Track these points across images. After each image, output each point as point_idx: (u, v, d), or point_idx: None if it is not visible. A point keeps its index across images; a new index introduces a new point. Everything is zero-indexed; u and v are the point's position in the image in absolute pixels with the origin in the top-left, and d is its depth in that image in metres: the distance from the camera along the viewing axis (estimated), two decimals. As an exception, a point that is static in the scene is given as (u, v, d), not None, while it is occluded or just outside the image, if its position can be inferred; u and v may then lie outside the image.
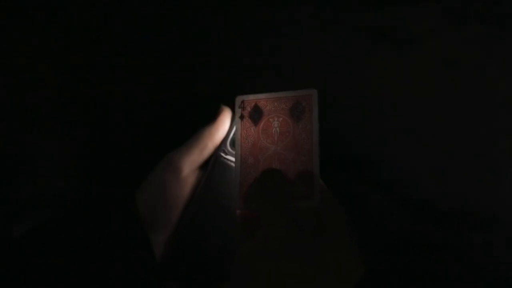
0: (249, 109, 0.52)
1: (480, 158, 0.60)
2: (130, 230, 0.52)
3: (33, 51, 0.65)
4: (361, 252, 0.46)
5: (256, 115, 0.52)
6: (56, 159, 0.65)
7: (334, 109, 0.62)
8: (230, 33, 0.63)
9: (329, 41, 0.62)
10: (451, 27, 0.61)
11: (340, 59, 0.62)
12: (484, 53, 0.61)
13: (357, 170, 0.62)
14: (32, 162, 0.64)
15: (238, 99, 0.52)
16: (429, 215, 0.61)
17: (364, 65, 0.62)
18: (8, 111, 0.65)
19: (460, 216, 0.61)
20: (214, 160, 0.54)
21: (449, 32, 0.61)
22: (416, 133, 0.62)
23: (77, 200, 0.62)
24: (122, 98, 0.65)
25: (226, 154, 0.54)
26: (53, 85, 0.65)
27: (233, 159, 0.53)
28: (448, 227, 0.61)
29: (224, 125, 0.54)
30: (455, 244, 0.60)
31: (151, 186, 0.53)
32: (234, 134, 0.53)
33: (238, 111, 0.52)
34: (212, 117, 0.54)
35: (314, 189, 0.48)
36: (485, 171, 0.60)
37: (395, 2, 0.61)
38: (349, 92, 0.62)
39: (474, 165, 0.61)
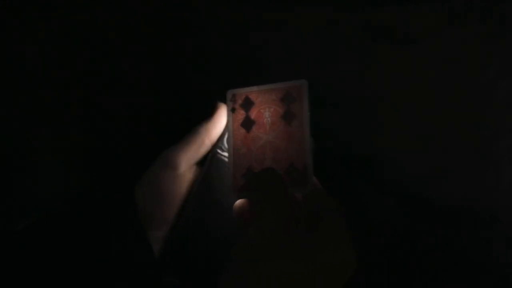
0: (240, 101, 0.52)
1: (480, 158, 0.60)
2: (128, 226, 0.52)
3: (33, 51, 0.65)
4: (354, 247, 0.46)
5: (247, 106, 0.52)
6: (55, 157, 0.65)
7: (333, 108, 0.62)
8: (227, 30, 0.63)
9: (328, 39, 0.62)
10: (451, 26, 0.61)
11: (340, 58, 0.62)
12: (484, 53, 0.61)
13: (356, 169, 0.62)
14: (32, 162, 0.65)
15: (229, 93, 0.53)
16: (427, 214, 0.61)
17: (365, 64, 0.62)
18: (8, 111, 0.65)
19: (460, 215, 0.60)
20: (211, 157, 0.54)
21: (449, 31, 0.61)
22: (416, 132, 0.62)
23: (75, 197, 0.62)
24: (119, 96, 0.65)
25: (223, 150, 0.54)
26: (54, 84, 0.65)
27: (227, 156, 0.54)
28: (447, 226, 0.60)
29: (220, 121, 0.54)
30: (455, 243, 0.60)
31: (149, 182, 0.53)
32: (229, 125, 0.53)
33: (230, 104, 0.53)
34: (208, 114, 0.55)
35: (307, 176, 0.48)
36: (485, 171, 0.60)
37: (395, 2, 0.61)
38: (348, 92, 0.62)
39: (474, 165, 0.60)
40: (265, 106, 0.51)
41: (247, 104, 0.52)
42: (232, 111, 0.53)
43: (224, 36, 0.63)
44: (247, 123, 0.52)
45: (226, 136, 0.54)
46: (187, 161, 0.53)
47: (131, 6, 0.64)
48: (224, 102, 0.54)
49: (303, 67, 0.63)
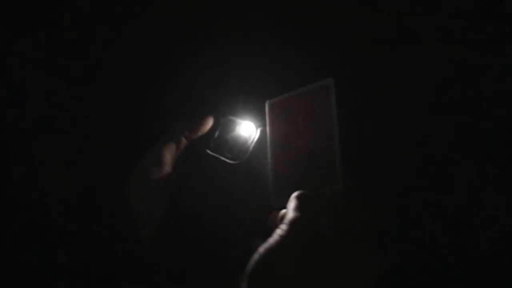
0: (277, 110, 0.53)
1: (480, 157, 0.60)
2: (121, 224, 0.53)
3: (34, 51, 0.65)
4: (380, 259, 0.45)
5: (283, 114, 0.53)
6: (56, 157, 0.65)
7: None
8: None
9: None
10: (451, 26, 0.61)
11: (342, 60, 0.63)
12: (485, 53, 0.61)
13: (356, 169, 0.62)
14: (32, 162, 0.65)
15: (268, 103, 0.54)
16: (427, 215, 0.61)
17: (363, 64, 0.62)
18: (8, 111, 0.65)
19: (460, 215, 0.60)
20: (200, 155, 0.57)
21: (449, 31, 0.61)
22: (414, 132, 0.61)
23: (73, 195, 0.62)
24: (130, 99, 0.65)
25: (212, 150, 0.57)
26: (53, 85, 0.66)
27: (216, 155, 0.57)
28: (447, 227, 0.60)
29: (203, 127, 0.57)
30: (454, 243, 0.60)
31: (137, 180, 0.55)
32: (268, 135, 0.54)
33: (269, 114, 0.54)
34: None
35: (337, 174, 0.48)
36: (484, 171, 0.60)
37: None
38: (349, 91, 0.62)
39: (473, 164, 0.60)
40: (297, 111, 0.52)
41: (283, 112, 0.53)
42: (270, 120, 0.53)
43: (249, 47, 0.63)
44: (283, 131, 0.52)
45: (213, 139, 0.57)
46: (172, 157, 0.55)
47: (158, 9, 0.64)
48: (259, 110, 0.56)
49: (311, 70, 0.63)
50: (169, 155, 0.55)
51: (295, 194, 0.48)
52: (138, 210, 0.53)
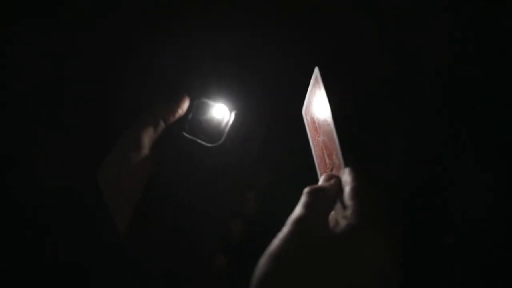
0: (307, 116, 0.53)
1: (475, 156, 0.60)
2: (94, 210, 0.53)
3: (33, 51, 0.66)
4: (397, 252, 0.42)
5: (308, 118, 0.53)
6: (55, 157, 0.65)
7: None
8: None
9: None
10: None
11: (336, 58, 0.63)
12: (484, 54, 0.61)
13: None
14: (28, 160, 0.65)
15: (303, 111, 0.54)
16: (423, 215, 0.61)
17: (359, 64, 0.62)
18: (7, 111, 0.66)
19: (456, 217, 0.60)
20: (177, 137, 0.58)
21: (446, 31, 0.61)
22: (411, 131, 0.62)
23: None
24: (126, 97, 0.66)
25: (187, 133, 0.58)
26: (52, 84, 0.66)
27: (192, 138, 0.58)
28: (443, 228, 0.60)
29: (179, 109, 0.58)
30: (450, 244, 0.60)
31: (115, 163, 0.55)
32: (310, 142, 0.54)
33: (305, 122, 0.54)
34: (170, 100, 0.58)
35: (340, 161, 0.47)
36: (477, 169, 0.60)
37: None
38: (346, 89, 0.62)
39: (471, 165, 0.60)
40: (313, 110, 0.52)
41: (310, 114, 0.53)
42: (307, 125, 0.54)
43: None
44: (314, 133, 0.53)
45: (187, 121, 0.58)
46: (149, 140, 0.56)
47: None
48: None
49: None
50: (147, 138, 0.55)
51: (306, 189, 0.45)
52: (115, 194, 0.53)
